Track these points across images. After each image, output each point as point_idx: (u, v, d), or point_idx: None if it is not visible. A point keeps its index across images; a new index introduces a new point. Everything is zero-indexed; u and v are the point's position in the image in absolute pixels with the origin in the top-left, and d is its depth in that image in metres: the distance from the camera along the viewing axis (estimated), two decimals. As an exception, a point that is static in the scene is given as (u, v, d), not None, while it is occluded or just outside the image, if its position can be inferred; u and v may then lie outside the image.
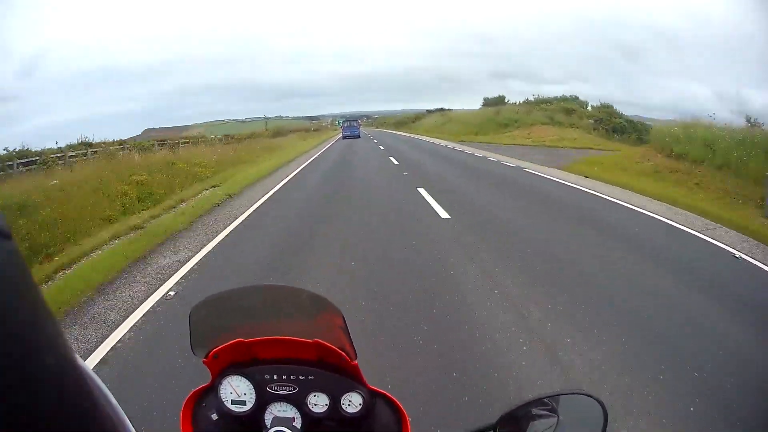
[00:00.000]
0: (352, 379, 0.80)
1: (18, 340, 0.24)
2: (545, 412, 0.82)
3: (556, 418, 0.81)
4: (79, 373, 0.29)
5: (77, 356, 0.30)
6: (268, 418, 0.80)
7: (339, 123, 62.91)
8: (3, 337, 0.24)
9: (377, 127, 79.20)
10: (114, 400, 0.41)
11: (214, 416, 0.81)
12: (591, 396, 0.81)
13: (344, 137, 36.16)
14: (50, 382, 0.26)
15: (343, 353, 0.76)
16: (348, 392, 0.79)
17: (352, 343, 0.77)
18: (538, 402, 0.83)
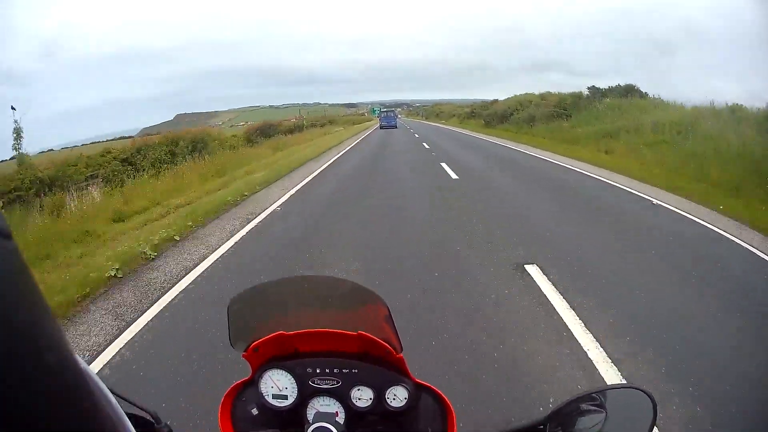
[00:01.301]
0: (397, 372, 0.78)
1: (18, 339, 0.25)
2: (593, 408, 0.79)
3: (604, 414, 0.78)
4: (79, 373, 0.29)
5: (77, 356, 0.30)
6: (310, 413, 0.78)
7: (375, 112, 59.85)
8: (3, 336, 0.24)
9: (427, 118, 70.58)
10: (114, 400, 0.40)
11: (254, 411, 0.80)
12: (641, 389, 0.79)
13: (381, 127, 36.15)
14: (50, 381, 0.26)
15: (388, 346, 0.74)
16: (393, 386, 0.77)
17: (397, 334, 0.75)
18: (587, 397, 0.80)
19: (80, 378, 0.29)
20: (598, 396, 0.80)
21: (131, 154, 15.80)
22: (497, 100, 36.90)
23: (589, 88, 22.97)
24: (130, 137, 23.04)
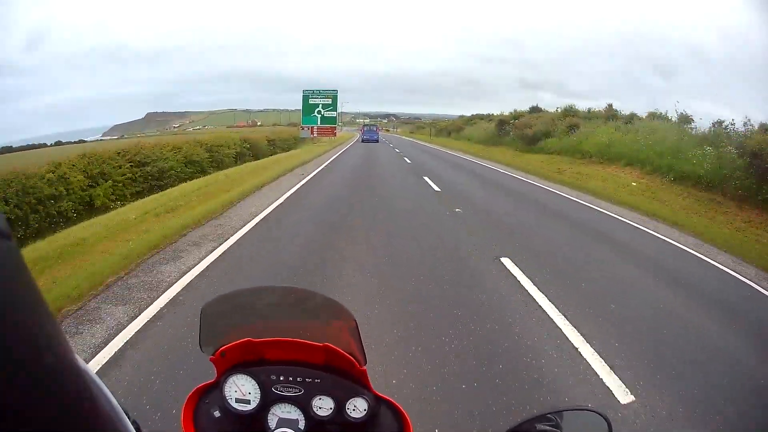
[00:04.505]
0: (358, 385, 0.80)
1: (18, 339, 0.25)
2: (549, 428, 0.81)
3: (554, 421, 0.81)
4: (79, 373, 0.29)
5: (77, 356, 0.30)
6: (271, 419, 0.79)
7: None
8: (2, 336, 0.24)
9: (411, 134, 58.56)
10: (114, 400, 0.40)
11: (217, 414, 0.80)
12: (597, 411, 0.81)
13: (363, 140, 36.29)
14: (50, 381, 0.26)
15: (352, 358, 0.76)
16: (354, 397, 0.79)
17: (362, 348, 0.77)
18: (542, 417, 0.82)
19: (80, 378, 0.29)
20: (553, 416, 0.82)
21: None
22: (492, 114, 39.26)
23: (565, 109, 24.27)
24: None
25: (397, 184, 12.01)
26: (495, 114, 40.58)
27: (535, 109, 28.79)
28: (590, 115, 24.38)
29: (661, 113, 19.93)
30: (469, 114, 49.92)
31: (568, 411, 0.88)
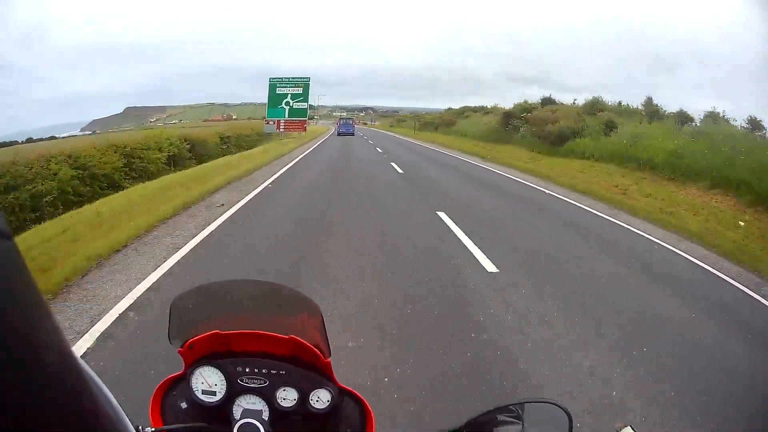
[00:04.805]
0: (323, 376, 0.81)
1: (18, 339, 0.25)
2: (510, 419, 0.82)
3: (520, 426, 0.81)
4: (79, 373, 0.29)
5: (77, 356, 0.30)
6: (236, 410, 0.80)
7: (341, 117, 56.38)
8: (3, 336, 0.24)
9: (392, 128, 53.18)
10: (114, 400, 0.40)
11: (184, 405, 0.82)
12: (557, 404, 0.81)
13: (339, 134, 35.67)
14: (50, 380, 0.26)
15: (317, 350, 0.78)
16: (317, 388, 0.81)
17: (327, 341, 0.79)
18: (504, 409, 0.83)
19: (80, 378, 0.29)
20: (515, 408, 0.82)
21: None
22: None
23: (592, 102, 20.56)
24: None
25: (401, 229, 6.96)
26: (489, 106, 35.41)
27: (548, 101, 23.84)
28: (621, 110, 19.74)
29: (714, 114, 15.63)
30: (457, 107, 43.64)
31: (530, 403, 0.85)
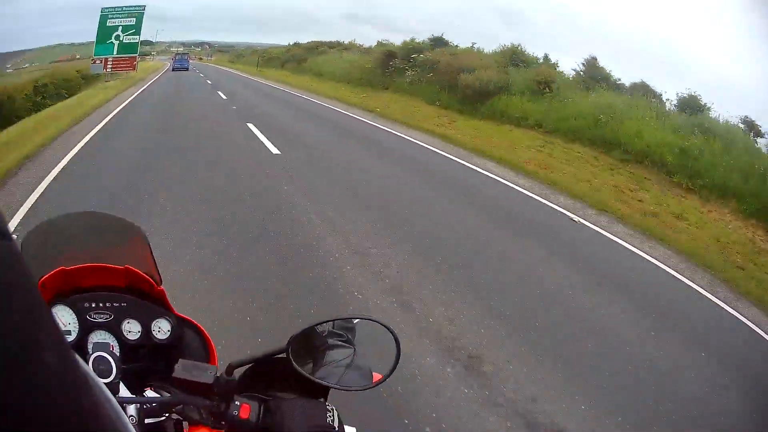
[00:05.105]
0: (161, 306, 0.82)
1: (18, 339, 0.25)
2: (341, 343, 0.80)
3: (352, 349, 0.79)
4: (79, 373, 0.29)
5: (77, 356, 0.30)
6: (90, 347, 0.79)
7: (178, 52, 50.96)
8: (2, 336, 0.24)
9: (231, 63, 44.92)
10: (114, 400, 0.40)
11: None
12: (380, 323, 0.79)
13: (174, 69, 33.55)
14: (50, 381, 0.26)
15: (150, 279, 0.79)
16: (157, 318, 0.81)
17: (157, 268, 0.82)
18: (326, 324, 0.80)
19: (80, 378, 0.29)
20: (343, 333, 0.80)
21: None
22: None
23: (512, 49, 16.38)
24: None
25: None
26: (346, 42, 27.66)
27: (439, 41, 18.67)
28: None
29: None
30: (305, 41, 33.86)
31: (355, 319, 0.83)
